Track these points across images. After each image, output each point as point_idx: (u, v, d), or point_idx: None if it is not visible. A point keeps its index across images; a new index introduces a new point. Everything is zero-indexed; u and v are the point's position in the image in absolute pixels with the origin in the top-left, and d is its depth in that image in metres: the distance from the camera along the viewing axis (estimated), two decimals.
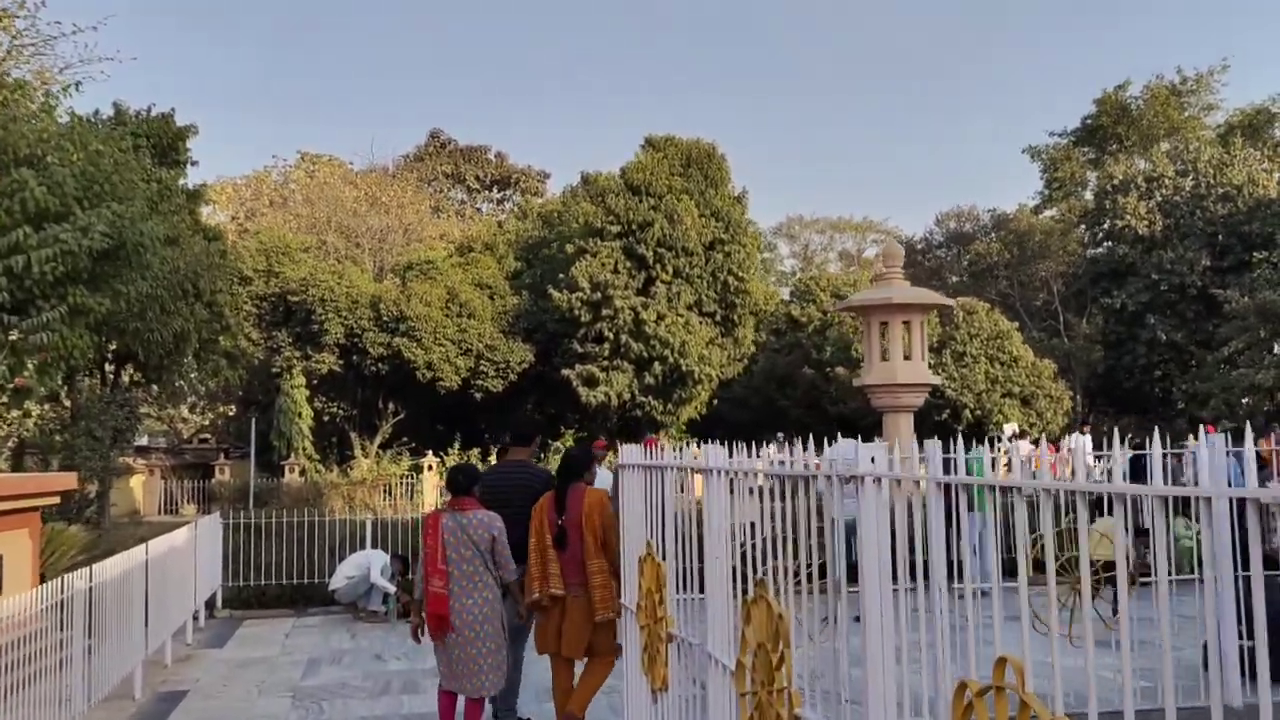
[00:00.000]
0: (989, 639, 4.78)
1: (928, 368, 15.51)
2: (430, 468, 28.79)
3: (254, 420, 30.63)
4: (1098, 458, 14.62)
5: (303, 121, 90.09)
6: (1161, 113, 44.32)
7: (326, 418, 34.09)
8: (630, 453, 5.84)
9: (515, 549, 7.02)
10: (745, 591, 4.06)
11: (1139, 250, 35.28)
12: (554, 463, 14.93)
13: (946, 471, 2.93)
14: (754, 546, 4.19)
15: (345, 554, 13.41)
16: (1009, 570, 11.67)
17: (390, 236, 41.99)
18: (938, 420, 29.42)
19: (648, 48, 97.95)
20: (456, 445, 30.64)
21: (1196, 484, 3.55)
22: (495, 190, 56.71)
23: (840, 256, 63.34)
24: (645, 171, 32.40)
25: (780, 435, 25.65)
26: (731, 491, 4.16)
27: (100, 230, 14.35)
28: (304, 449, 31.88)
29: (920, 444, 3.44)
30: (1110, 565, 9.35)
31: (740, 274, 32.93)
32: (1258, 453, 11.47)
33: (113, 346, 20.99)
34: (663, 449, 5.52)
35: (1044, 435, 29.46)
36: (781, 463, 4.14)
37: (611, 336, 31.22)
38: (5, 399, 13.51)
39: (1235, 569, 6.70)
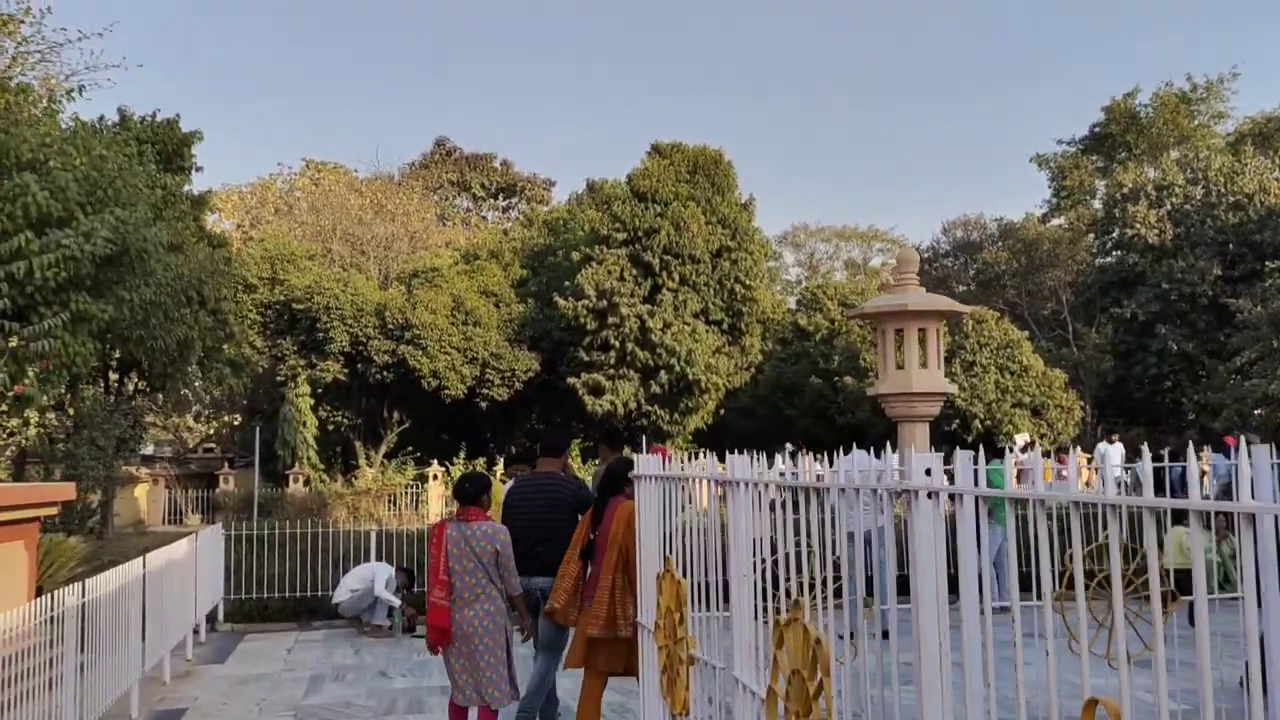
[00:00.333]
0: (1022, 659, 4.52)
1: (944, 376, 15.24)
2: (435, 477, 28.57)
3: (258, 429, 30.42)
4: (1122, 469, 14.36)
5: (308, 129, 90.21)
6: (1171, 120, 44.07)
7: (331, 426, 33.89)
8: (647, 463, 5.60)
9: (538, 561, 7.06)
10: (774, 609, 3.84)
11: (1149, 259, 35.06)
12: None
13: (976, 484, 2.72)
14: (775, 563, 3.98)
15: (349, 566, 13.16)
16: (1025, 585, 11.43)
17: (395, 244, 41.83)
18: (947, 430, 29.15)
19: (653, 56, 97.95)
20: (462, 454, 30.41)
21: (1229, 497, 3.29)
22: (501, 198, 56.60)
23: (846, 265, 63.07)
24: (652, 178, 32.19)
25: (789, 446, 25.39)
26: (778, 505, 3.92)
27: (103, 236, 14.18)
28: (309, 458, 31.68)
29: (947, 456, 3.22)
30: (1181, 575, 9.03)
31: (747, 282, 32.68)
32: None
33: (116, 354, 20.83)
34: (672, 459, 5.34)
35: (1055, 446, 29.27)
36: (794, 474, 3.93)
37: (617, 345, 30.97)
38: (5, 407, 13.29)
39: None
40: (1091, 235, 41.41)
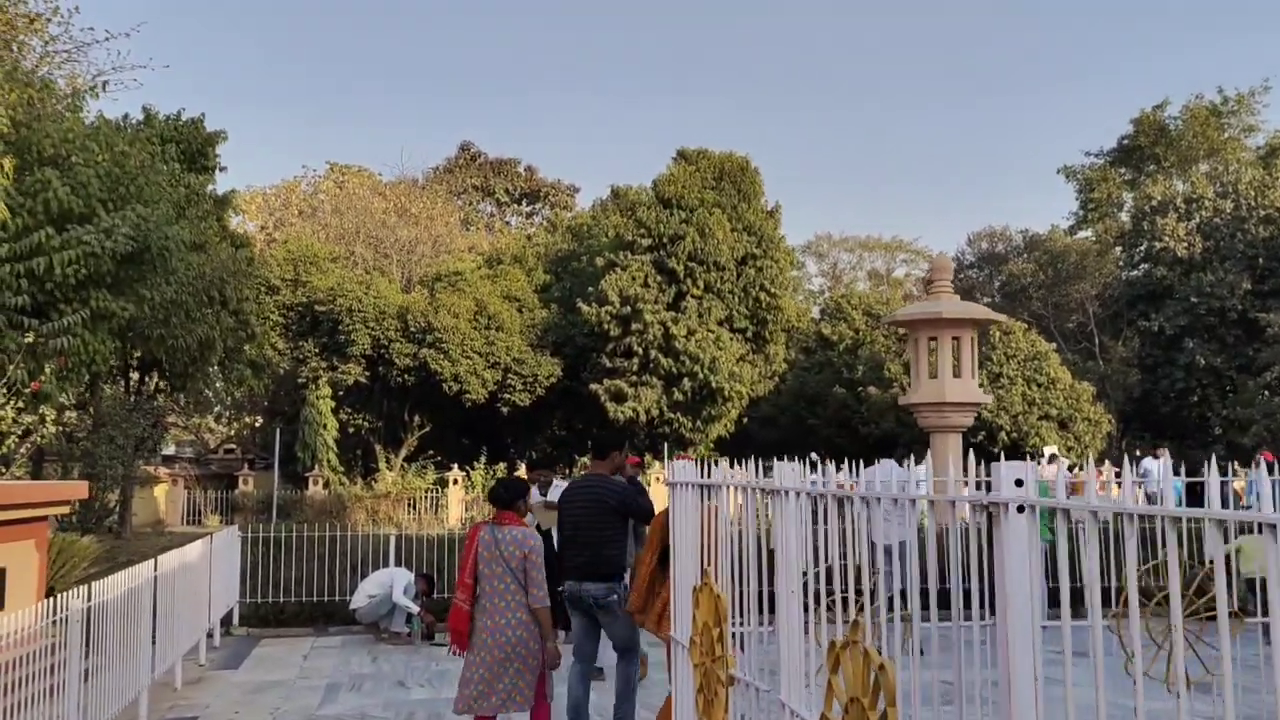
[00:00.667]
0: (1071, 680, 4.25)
1: (978, 386, 14.88)
2: (455, 482, 28.33)
3: (279, 431, 30.31)
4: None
5: (333, 131, 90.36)
6: (1201, 133, 43.55)
7: (351, 429, 33.74)
8: (683, 469, 5.31)
9: (577, 566, 7.20)
10: (820, 625, 3.58)
11: (1177, 273, 34.55)
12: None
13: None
14: (818, 576, 3.73)
15: (367, 570, 12.92)
16: (1053, 600, 11.10)
17: (419, 248, 41.67)
18: (973, 442, 28.73)
19: (679, 64, 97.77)
20: (482, 459, 30.17)
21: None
22: (524, 204, 56.42)
23: (869, 276, 62.59)
24: (677, 184, 31.91)
25: (813, 455, 25.06)
26: (835, 516, 3.64)
27: (124, 233, 14.00)
28: (328, 461, 31.54)
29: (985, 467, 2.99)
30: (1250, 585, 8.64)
31: (772, 290, 32.32)
32: None
33: (136, 353, 20.70)
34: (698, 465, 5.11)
35: (1082, 459, 28.78)
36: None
37: (641, 351, 30.69)
38: (22, 404, 13.11)
39: None
40: (1119, 248, 40.89)
